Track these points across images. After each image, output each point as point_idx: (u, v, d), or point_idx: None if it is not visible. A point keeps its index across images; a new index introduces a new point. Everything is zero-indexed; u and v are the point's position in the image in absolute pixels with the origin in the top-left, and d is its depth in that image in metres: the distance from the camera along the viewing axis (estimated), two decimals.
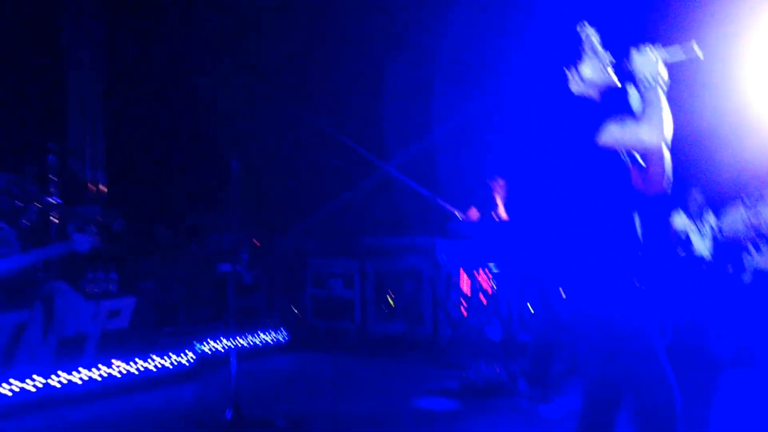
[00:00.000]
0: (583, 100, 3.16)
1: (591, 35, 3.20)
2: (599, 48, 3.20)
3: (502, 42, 8.43)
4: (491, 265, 8.08)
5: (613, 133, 2.97)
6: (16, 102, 7.53)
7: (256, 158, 10.28)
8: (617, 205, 3.07)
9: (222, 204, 9.79)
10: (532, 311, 7.45)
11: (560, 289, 3.11)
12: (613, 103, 3.14)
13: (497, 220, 8.38)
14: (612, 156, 3.03)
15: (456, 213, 9.22)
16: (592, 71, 3.18)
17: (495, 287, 8.09)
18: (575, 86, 3.21)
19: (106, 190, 9.25)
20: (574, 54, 3.19)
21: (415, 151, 9.96)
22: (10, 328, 6.02)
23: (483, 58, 8.97)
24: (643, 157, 3.15)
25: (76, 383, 6.33)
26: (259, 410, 5.96)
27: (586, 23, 3.22)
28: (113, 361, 6.65)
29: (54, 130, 8.35)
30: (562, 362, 6.08)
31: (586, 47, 3.18)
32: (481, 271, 8.20)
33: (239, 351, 6.08)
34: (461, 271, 8.32)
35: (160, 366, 7.02)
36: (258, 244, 9.43)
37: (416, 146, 9.94)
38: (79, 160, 8.95)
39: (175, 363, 7.17)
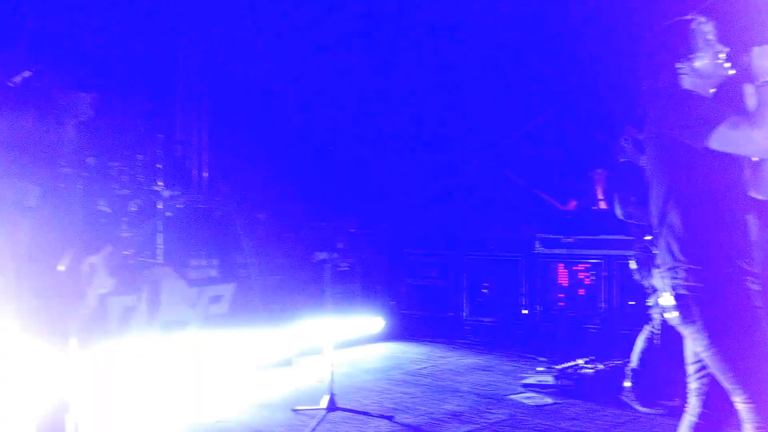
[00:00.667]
0: (694, 97, 3.00)
1: (706, 28, 3.05)
2: (715, 42, 3.04)
3: (604, 34, 8.18)
4: (590, 257, 7.94)
5: (724, 137, 2.80)
6: (127, 95, 7.78)
7: (353, 147, 10.39)
8: (728, 210, 2.92)
9: (320, 192, 9.94)
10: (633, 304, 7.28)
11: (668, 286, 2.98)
12: (728, 102, 2.97)
13: (597, 211, 8.21)
14: (722, 158, 2.88)
15: (555, 204, 9.07)
16: (706, 66, 3.02)
17: (593, 280, 7.94)
18: (687, 82, 3.06)
19: (208, 176, 9.48)
20: (687, 47, 3.05)
21: (514, 142, 9.81)
22: (120, 311, 6.25)
23: (579, 51, 8.73)
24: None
25: None
26: (354, 399, 6.04)
27: (703, 17, 3.07)
28: None
29: (162, 120, 8.59)
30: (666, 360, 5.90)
31: (700, 41, 3.03)
32: (579, 263, 8.06)
33: (335, 339, 6.17)
34: (559, 263, 8.19)
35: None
36: (354, 233, 9.51)
37: (514, 137, 9.79)
38: (185, 149, 9.22)
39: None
